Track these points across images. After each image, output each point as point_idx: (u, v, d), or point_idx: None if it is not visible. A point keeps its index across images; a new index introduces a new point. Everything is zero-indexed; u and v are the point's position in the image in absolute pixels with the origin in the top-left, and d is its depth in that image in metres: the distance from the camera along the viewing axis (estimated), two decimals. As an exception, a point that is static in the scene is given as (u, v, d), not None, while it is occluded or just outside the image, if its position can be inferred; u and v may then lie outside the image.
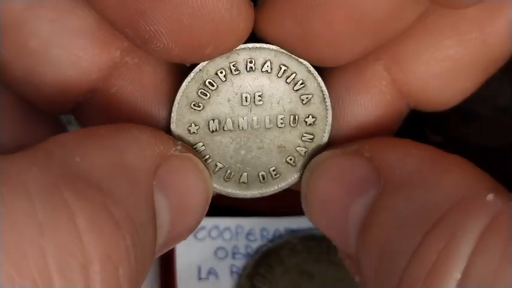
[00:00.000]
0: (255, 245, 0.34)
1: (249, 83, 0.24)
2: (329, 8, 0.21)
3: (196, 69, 0.23)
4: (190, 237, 0.33)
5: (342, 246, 0.24)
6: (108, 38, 0.24)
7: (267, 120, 0.24)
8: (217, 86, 0.24)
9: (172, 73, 0.24)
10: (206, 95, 0.24)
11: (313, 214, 0.24)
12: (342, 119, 0.25)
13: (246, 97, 0.24)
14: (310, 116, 0.24)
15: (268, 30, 0.23)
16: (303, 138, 0.24)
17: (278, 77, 0.24)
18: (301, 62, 0.24)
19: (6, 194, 0.18)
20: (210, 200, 0.23)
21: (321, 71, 0.24)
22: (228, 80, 0.24)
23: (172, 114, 0.24)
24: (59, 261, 0.18)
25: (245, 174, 0.24)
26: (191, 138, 0.24)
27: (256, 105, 0.24)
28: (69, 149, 0.20)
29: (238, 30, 0.22)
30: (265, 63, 0.23)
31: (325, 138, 0.24)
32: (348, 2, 0.21)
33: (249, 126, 0.24)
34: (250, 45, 0.23)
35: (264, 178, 0.25)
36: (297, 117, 0.24)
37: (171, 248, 0.24)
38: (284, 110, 0.24)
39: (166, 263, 0.32)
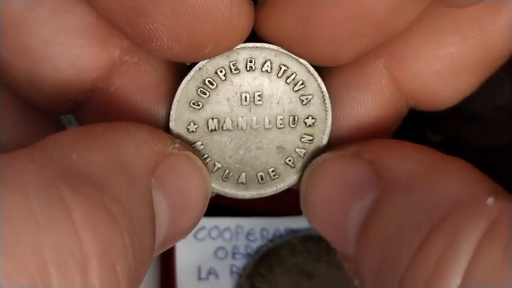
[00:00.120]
0: (255, 245, 0.34)
1: (248, 82, 0.24)
2: (329, 7, 0.21)
3: (196, 67, 0.23)
4: (190, 237, 0.33)
5: (341, 249, 0.24)
6: (108, 37, 0.24)
7: (267, 121, 0.24)
8: (217, 85, 0.24)
9: (172, 72, 0.24)
10: (206, 94, 0.24)
11: (312, 216, 0.24)
12: (341, 118, 0.25)
13: (245, 97, 0.24)
14: (310, 117, 0.24)
15: (268, 29, 0.23)
16: (302, 139, 0.24)
17: (278, 77, 0.24)
18: (301, 63, 0.23)
19: (2, 191, 0.18)
20: (209, 198, 0.23)
21: (321, 69, 0.24)
22: (227, 79, 0.23)
23: (172, 113, 0.24)
24: (57, 257, 0.18)
25: (244, 174, 0.24)
26: (190, 137, 0.24)
27: (255, 105, 0.24)
28: (66, 146, 0.20)
29: (238, 29, 0.22)
30: (265, 62, 0.23)
31: (325, 140, 0.24)
32: (348, 1, 0.21)
33: (248, 126, 0.24)
34: (250, 44, 0.23)
35: (262, 179, 0.24)
36: (296, 118, 0.24)
37: (170, 246, 0.24)
38: (284, 111, 0.24)
39: (166, 263, 0.32)
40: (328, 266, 0.35)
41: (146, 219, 0.21)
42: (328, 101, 0.24)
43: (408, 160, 0.22)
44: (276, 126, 0.24)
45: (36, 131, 0.25)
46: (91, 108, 0.24)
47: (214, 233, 0.32)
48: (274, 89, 0.24)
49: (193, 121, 0.24)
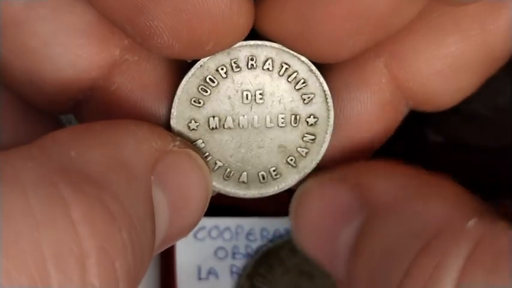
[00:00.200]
0: (255, 245, 0.34)
1: (250, 80, 0.23)
2: (329, 3, 0.21)
3: (197, 65, 0.23)
4: (190, 237, 0.33)
5: (333, 272, 0.24)
6: (108, 36, 0.24)
7: (268, 119, 0.24)
8: (218, 82, 0.23)
9: (173, 70, 0.24)
10: (207, 92, 0.24)
11: (302, 241, 0.24)
12: (342, 117, 0.25)
13: (246, 95, 0.24)
14: (312, 116, 0.24)
15: (269, 26, 0.23)
16: (304, 138, 0.24)
17: (280, 75, 0.24)
18: (303, 61, 0.23)
19: (1, 189, 0.18)
20: (210, 196, 0.23)
21: (321, 67, 0.24)
22: (228, 76, 0.23)
23: (173, 110, 0.24)
24: (55, 255, 0.18)
25: (245, 173, 0.24)
26: (191, 135, 0.24)
27: (257, 103, 0.24)
28: (65, 144, 0.20)
29: (239, 26, 0.22)
30: (266, 60, 0.23)
31: (327, 140, 0.24)
32: None
33: (250, 125, 0.24)
34: (251, 42, 0.23)
35: (264, 178, 0.24)
36: (298, 116, 0.24)
37: (171, 244, 0.24)
38: (285, 109, 0.24)
39: (166, 263, 0.32)
40: (328, 266, 0.35)
41: (146, 217, 0.21)
42: (330, 99, 0.24)
43: (394, 184, 0.22)
44: (278, 125, 0.24)
45: (36, 131, 0.25)
46: (92, 107, 0.24)
47: (214, 233, 0.32)
48: (276, 87, 0.24)
49: (194, 119, 0.24)
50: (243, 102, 0.24)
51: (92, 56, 0.24)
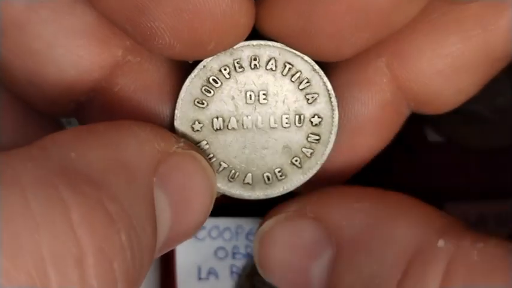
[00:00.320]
0: (255, 245, 0.34)
1: (253, 80, 0.23)
2: (330, 1, 0.21)
3: (200, 65, 0.23)
4: (189, 238, 0.33)
5: None
6: (110, 37, 0.24)
7: (272, 120, 0.24)
8: (222, 83, 0.23)
9: (176, 71, 0.24)
10: (210, 92, 0.24)
11: (272, 280, 0.24)
12: (343, 117, 0.24)
13: (250, 95, 0.24)
14: (316, 116, 0.24)
15: (270, 25, 0.23)
16: (309, 138, 0.24)
17: (283, 75, 0.24)
18: (306, 61, 0.23)
19: (1, 191, 0.18)
20: (214, 198, 0.23)
21: (323, 68, 0.24)
22: (232, 77, 0.23)
23: (176, 111, 0.24)
24: (54, 255, 0.18)
25: (250, 175, 0.24)
26: (195, 136, 0.24)
27: (260, 103, 0.24)
28: (65, 145, 0.20)
29: (240, 26, 0.22)
30: (269, 60, 0.23)
31: (332, 140, 0.24)
32: None
33: (254, 125, 0.24)
34: (254, 42, 0.23)
35: (269, 179, 0.24)
36: (302, 116, 0.24)
37: (174, 246, 0.24)
38: (289, 109, 0.24)
39: (166, 263, 0.32)
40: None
41: (146, 219, 0.21)
42: (334, 99, 0.24)
43: (353, 213, 0.23)
44: (282, 126, 0.24)
45: (36, 132, 0.25)
46: (95, 109, 0.24)
47: (214, 233, 0.32)
48: (279, 87, 0.24)
49: (198, 120, 0.24)
50: (246, 102, 0.24)
51: (94, 56, 0.24)
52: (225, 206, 0.26)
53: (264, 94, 0.24)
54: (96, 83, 0.24)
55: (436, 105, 0.25)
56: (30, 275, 0.17)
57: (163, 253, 0.23)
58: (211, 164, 0.24)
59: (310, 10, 0.21)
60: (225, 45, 0.23)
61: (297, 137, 0.24)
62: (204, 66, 0.23)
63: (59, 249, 0.18)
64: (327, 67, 0.24)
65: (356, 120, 0.25)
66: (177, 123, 0.24)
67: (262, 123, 0.24)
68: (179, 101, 0.23)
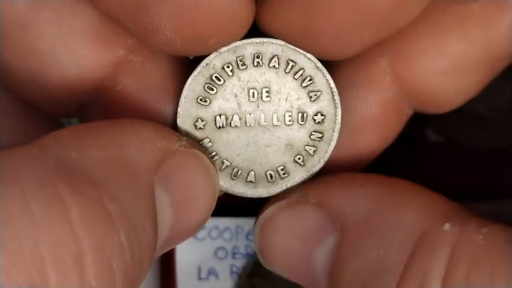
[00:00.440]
0: (255, 245, 0.34)
1: (256, 78, 0.23)
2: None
3: (203, 63, 0.23)
4: (190, 237, 0.33)
5: None
6: (112, 36, 0.24)
7: (275, 117, 0.24)
8: (224, 80, 0.23)
9: (178, 70, 0.24)
10: (213, 90, 0.23)
11: (274, 267, 0.24)
12: (346, 116, 0.24)
13: (253, 93, 0.23)
14: (319, 114, 0.24)
15: (273, 22, 0.23)
16: (312, 136, 0.24)
17: (286, 72, 0.23)
18: (309, 58, 0.23)
19: (1, 190, 0.18)
20: (216, 197, 0.23)
21: (326, 66, 0.24)
22: (235, 74, 0.23)
23: (179, 109, 0.24)
24: (54, 254, 0.18)
25: (252, 172, 0.24)
26: (198, 134, 0.24)
27: (263, 101, 0.24)
28: (65, 144, 0.20)
29: (241, 20, 0.22)
30: (272, 58, 0.23)
31: (335, 137, 0.24)
32: None
33: (256, 123, 0.24)
34: (257, 39, 0.23)
35: (271, 177, 0.24)
36: (305, 114, 0.24)
37: (176, 245, 0.24)
38: (292, 107, 0.24)
39: (166, 263, 0.32)
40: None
41: (146, 218, 0.21)
42: (337, 97, 0.24)
43: (358, 198, 0.22)
44: (285, 123, 0.24)
45: (36, 133, 0.25)
46: (97, 108, 0.24)
47: (214, 233, 0.32)
48: (282, 84, 0.24)
49: (200, 118, 0.24)
50: (249, 100, 0.24)
51: (96, 56, 0.24)
52: (227, 205, 0.26)
53: (266, 92, 0.24)
54: (98, 82, 0.24)
55: (439, 104, 0.25)
56: (29, 274, 0.17)
57: (164, 251, 0.23)
58: (213, 163, 0.23)
59: (313, 8, 0.21)
60: (226, 40, 0.23)
61: (299, 135, 0.24)
62: (206, 64, 0.23)
63: (58, 248, 0.18)
64: (330, 66, 0.24)
65: (359, 119, 0.25)
66: (180, 121, 0.24)
67: (265, 121, 0.24)
68: (182, 99, 0.23)
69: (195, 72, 0.23)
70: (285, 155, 0.24)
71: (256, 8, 0.22)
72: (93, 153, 0.20)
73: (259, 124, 0.24)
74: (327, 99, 0.24)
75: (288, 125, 0.24)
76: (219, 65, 0.23)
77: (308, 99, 0.24)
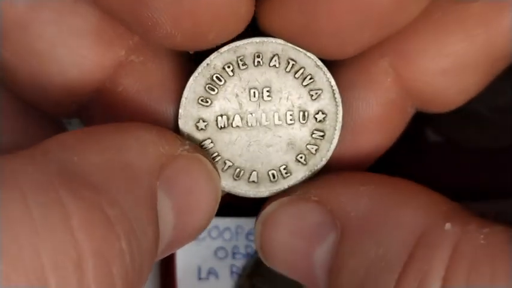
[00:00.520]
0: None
1: (256, 77, 0.23)
2: None
3: (204, 63, 0.23)
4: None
5: None
6: (113, 37, 0.24)
7: (276, 117, 0.24)
8: (225, 80, 0.23)
9: (179, 70, 0.24)
10: (214, 90, 0.23)
11: (274, 264, 0.24)
12: (347, 116, 0.24)
13: (254, 92, 0.23)
14: (320, 112, 0.24)
15: (273, 22, 0.23)
16: (313, 135, 0.24)
17: (286, 71, 0.23)
18: (309, 57, 0.23)
19: (1, 195, 0.18)
20: (219, 201, 0.23)
21: (327, 66, 0.24)
22: (235, 74, 0.23)
23: (180, 110, 0.23)
24: (54, 259, 0.18)
25: (255, 172, 0.24)
26: (199, 135, 0.24)
27: (264, 100, 0.24)
28: (68, 148, 0.20)
29: (240, 15, 0.22)
30: (273, 57, 0.23)
31: (336, 136, 0.24)
32: None
33: (258, 123, 0.24)
34: (257, 39, 0.23)
35: (274, 177, 0.24)
36: (306, 113, 0.24)
37: (178, 248, 0.24)
38: (293, 106, 0.24)
39: (167, 263, 0.32)
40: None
41: (147, 223, 0.20)
42: (338, 95, 0.24)
43: (359, 197, 0.22)
44: (286, 122, 0.24)
45: (36, 133, 0.25)
46: (98, 109, 0.24)
47: (214, 233, 0.32)
48: (283, 84, 0.24)
49: (202, 118, 0.24)
50: (250, 100, 0.24)
51: (97, 56, 0.24)
52: (227, 205, 0.26)
53: (267, 91, 0.23)
54: (99, 83, 0.24)
55: (440, 104, 0.25)
56: (29, 279, 0.17)
57: (166, 255, 0.23)
58: (216, 167, 0.23)
59: (313, 8, 0.21)
60: (226, 35, 0.23)
61: (301, 134, 0.24)
62: (207, 64, 0.23)
63: (58, 252, 0.18)
64: (331, 67, 0.24)
65: (361, 120, 0.25)
66: (181, 122, 0.24)
67: (266, 121, 0.24)
68: (183, 99, 0.23)
69: (196, 73, 0.23)
70: (287, 154, 0.24)
71: (257, 8, 0.22)
72: (93, 157, 0.20)
73: (260, 124, 0.24)
74: (327, 98, 0.24)
75: (290, 124, 0.24)
76: (219, 65, 0.23)
77: (309, 97, 0.24)
